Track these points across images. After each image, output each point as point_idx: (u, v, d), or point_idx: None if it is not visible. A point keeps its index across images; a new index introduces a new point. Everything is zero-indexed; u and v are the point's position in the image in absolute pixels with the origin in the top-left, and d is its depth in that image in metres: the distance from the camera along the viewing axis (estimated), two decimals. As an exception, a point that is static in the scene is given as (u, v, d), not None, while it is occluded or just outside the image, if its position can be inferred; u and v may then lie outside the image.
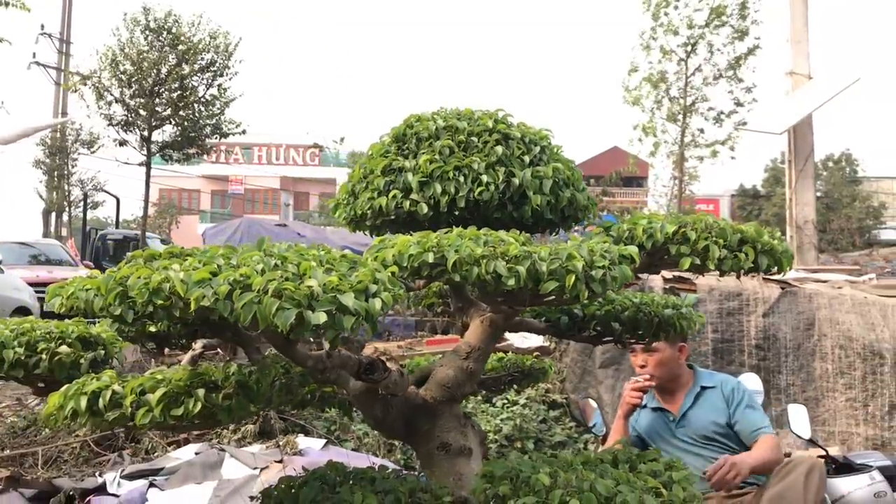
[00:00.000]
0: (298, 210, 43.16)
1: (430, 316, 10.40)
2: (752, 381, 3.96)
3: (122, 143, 17.70)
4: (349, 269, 1.73)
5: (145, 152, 17.44)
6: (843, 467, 3.77)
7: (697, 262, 2.14)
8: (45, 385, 2.41)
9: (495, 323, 2.47)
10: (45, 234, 24.28)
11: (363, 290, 1.64)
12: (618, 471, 2.07)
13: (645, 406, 3.49)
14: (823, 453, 3.84)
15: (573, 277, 1.79)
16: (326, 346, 2.14)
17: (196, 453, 4.89)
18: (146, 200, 18.40)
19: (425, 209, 2.25)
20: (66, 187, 27.12)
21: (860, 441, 6.01)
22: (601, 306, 2.67)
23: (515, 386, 3.09)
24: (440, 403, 2.42)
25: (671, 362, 3.40)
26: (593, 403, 3.97)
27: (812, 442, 3.81)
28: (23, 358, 2.20)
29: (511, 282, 1.79)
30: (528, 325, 2.73)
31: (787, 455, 4.06)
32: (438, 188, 2.22)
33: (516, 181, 2.24)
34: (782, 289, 6.26)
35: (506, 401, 6.43)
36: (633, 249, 1.96)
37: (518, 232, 2.02)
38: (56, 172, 27.00)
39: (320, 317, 1.53)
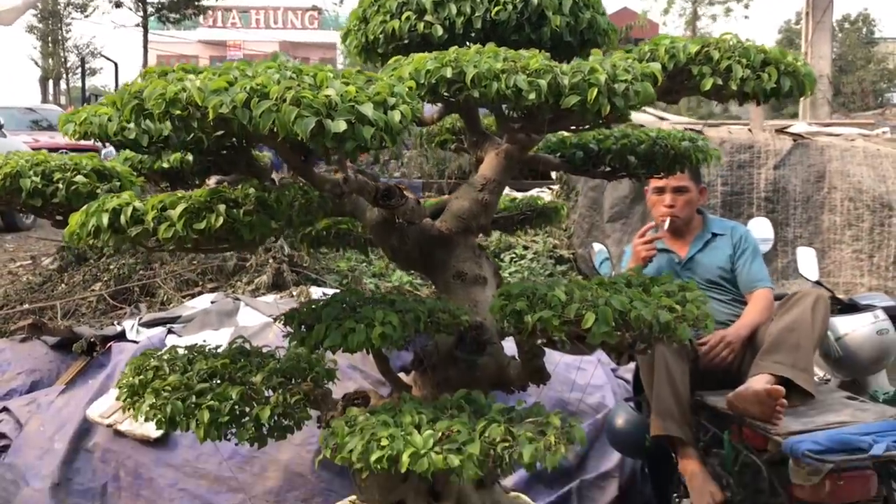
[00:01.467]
0: (300, 77, 42.27)
1: (436, 177, 10.39)
2: (762, 226, 3.96)
3: (118, 4, 17.19)
4: (366, 82, 1.70)
5: (141, 14, 16.95)
6: (847, 308, 3.83)
7: (720, 82, 2.09)
8: (63, 218, 2.42)
9: (510, 154, 2.45)
10: (44, 101, 23.98)
11: (381, 101, 1.61)
12: (632, 290, 2.11)
13: None
14: (829, 295, 3.90)
15: (595, 91, 1.76)
16: (341, 176, 2.13)
17: (212, 302, 5.00)
18: (145, 64, 18.04)
19: (440, 31, 2.18)
20: (61, 53, 26.56)
21: (864, 292, 6.11)
22: (617, 140, 2.65)
23: (528, 226, 3.09)
24: (455, 234, 2.43)
25: (695, 204, 3.39)
26: (599, 246, 3.98)
27: (819, 284, 3.86)
28: (40, 187, 2.20)
29: (532, 96, 1.76)
30: (542, 161, 2.71)
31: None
32: (454, 8, 2.15)
33: (535, 0, 2.16)
34: (794, 141, 6.20)
35: (514, 255, 6.52)
36: (655, 66, 1.91)
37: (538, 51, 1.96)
38: (50, 38, 26.35)
39: (340, 125, 1.51)
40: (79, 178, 2.24)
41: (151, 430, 3.69)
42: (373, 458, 1.73)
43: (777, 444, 2.62)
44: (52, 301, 5.84)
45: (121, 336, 4.61)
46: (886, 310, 3.76)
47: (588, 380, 4.79)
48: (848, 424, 2.69)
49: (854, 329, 3.62)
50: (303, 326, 2.06)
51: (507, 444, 1.76)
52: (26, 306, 5.81)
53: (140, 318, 4.81)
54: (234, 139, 2.02)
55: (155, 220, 1.72)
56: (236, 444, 2.21)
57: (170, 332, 4.59)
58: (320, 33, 42.60)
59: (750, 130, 6.27)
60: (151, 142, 2.01)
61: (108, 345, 4.44)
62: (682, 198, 3.31)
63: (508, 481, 4.15)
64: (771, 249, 3.99)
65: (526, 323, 1.89)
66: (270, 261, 5.75)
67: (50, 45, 26.80)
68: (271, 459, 3.72)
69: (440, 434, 1.76)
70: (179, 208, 1.71)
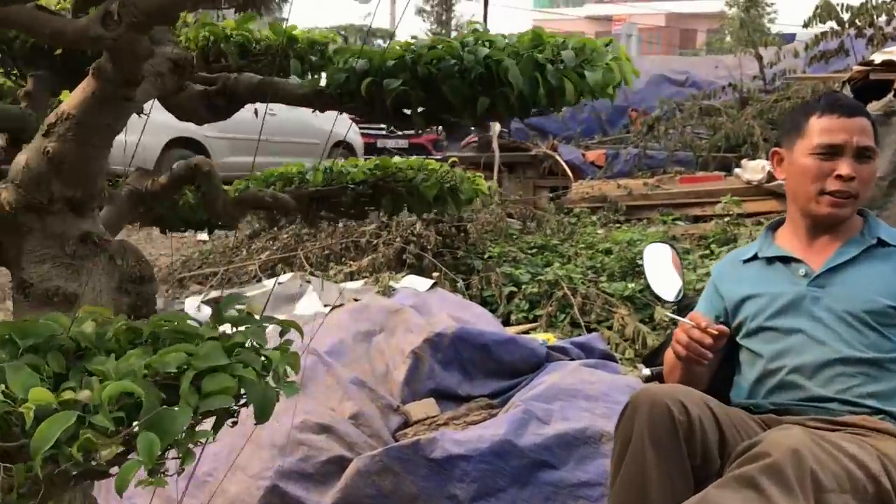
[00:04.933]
0: (684, 49, 39.36)
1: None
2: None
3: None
4: None
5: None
6: None
7: None
8: None
9: (105, 73, 1.35)
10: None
11: None
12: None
13: (755, 257, 2.03)
14: None
15: None
16: None
17: (279, 283, 4.37)
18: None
19: None
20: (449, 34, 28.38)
21: None
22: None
23: (377, 209, 1.85)
24: (20, 212, 1.42)
25: (871, 187, 1.99)
26: (656, 252, 2.43)
27: None
28: None
29: None
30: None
31: None
32: None
33: None
34: None
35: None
36: None
37: None
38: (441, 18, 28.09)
39: None
40: None
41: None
42: None
43: None
44: (214, 268, 5.76)
45: (178, 314, 4.23)
46: None
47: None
48: None
49: None
50: None
51: None
52: (189, 273, 5.79)
53: (205, 296, 4.38)
54: None
55: None
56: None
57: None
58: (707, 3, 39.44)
59: None
60: None
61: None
62: (867, 168, 1.91)
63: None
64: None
65: None
66: (398, 239, 4.92)
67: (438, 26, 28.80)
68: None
69: None
70: None
